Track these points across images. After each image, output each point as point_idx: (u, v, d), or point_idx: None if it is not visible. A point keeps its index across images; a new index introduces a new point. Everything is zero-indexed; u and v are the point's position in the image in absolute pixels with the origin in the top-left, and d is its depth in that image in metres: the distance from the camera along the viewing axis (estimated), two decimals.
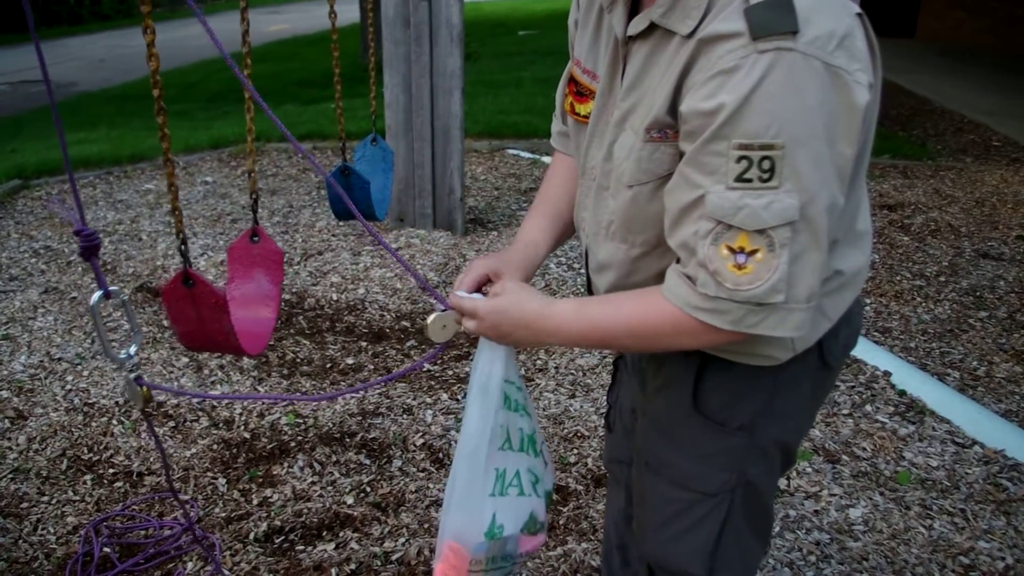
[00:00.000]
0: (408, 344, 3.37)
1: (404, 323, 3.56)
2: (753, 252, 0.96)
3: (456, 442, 2.67)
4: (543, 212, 1.45)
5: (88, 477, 2.57)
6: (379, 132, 3.89)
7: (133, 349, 1.33)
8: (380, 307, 3.72)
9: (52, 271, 4.14)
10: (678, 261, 1.06)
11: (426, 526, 2.34)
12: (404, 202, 4.61)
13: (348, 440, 2.74)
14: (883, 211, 4.97)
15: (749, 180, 0.93)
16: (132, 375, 1.33)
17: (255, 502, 2.45)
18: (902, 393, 2.98)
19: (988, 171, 5.86)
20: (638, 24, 1.07)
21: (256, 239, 2.41)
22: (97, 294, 1.27)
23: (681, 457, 1.29)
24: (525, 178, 5.64)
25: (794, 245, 0.96)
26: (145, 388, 1.35)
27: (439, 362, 3.23)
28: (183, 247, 1.84)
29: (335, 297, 3.83)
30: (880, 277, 4.01)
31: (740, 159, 0.93)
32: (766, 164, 0.92)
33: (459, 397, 2.98)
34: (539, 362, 3.22)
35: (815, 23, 0.92)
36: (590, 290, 1.38)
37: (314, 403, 2.94)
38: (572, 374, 3.13)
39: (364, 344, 3.38)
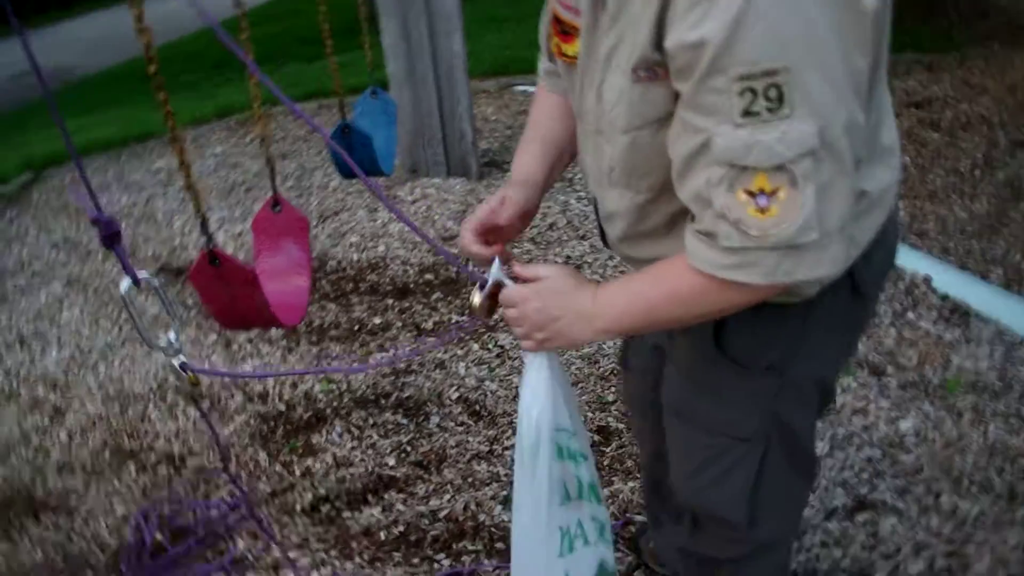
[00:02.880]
0: (434, 297, 3.33)
1: (428, 276, 3.51)
2: (774, 191, 0.87)
3: (491, 394, 2.66)
4: (535, 138, 1.35)
5: (132, 465, 2.58)
6: (379, 83, 3.79)
7: (173, 336, 1.27)
8: (402, 262, 3.67)
9: (73, 262, 4.13)
10: (693, 219, 0.97)
11: (470, 480, 2.33)
12: (415, 152, 4.52)
13: (383, 401, 2.72)
14: (909, 109, 4.78)
15: (756, 113, 0.84)
16: (177, 362, 1.28)
17: (298, 473, 2.45)
18: (944, 297, 2.89)
19: (1017, 56, 5.60)
20: None
21: (278, 208, 2.35)
22: (126, 282, 1.21)
23: (709, 402, 1.24)
24: None
25: (818, 175, 0.87)
26: (192, 374, 1.30)
27: (467, 312, 3.19)
28: (204, 226, 1.79)
29: (356, 257, 3.78)
30: (912, 178, 3.87)
31: (743, 91, 0.84)
32: (772, 92, 0.83)
33: (490, 347, 2.94)
34: None
35: None
36: (604, 239, 1.30)
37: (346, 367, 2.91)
38: None
39: (390, 302, 3.34)
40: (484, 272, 1.21)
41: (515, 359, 2.86)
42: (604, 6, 1.01)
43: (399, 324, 3.16)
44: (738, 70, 0.83)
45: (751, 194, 0.88)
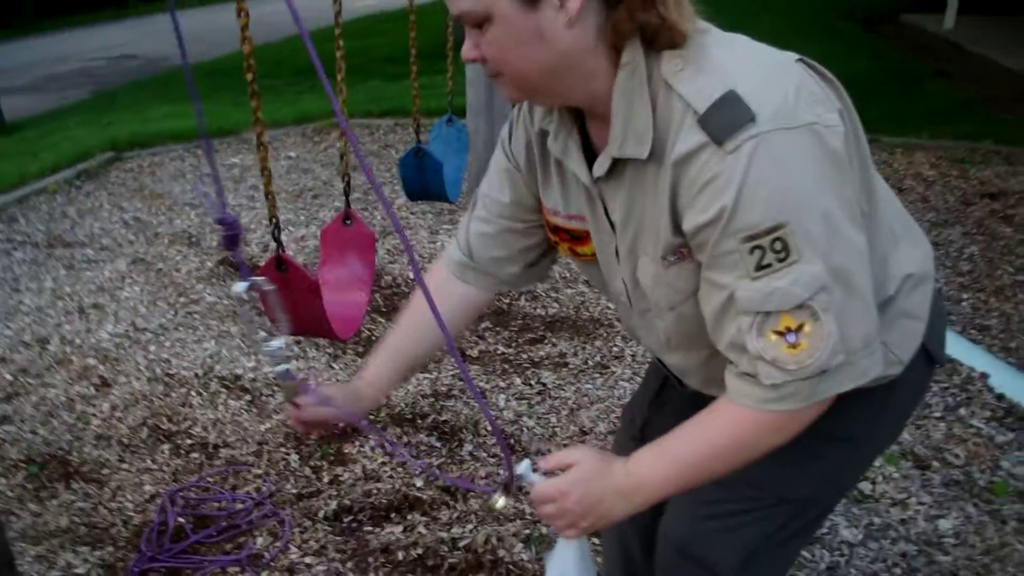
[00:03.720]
0: (482, 326, 3.34)
1: None
2: (800, 327, 0.96)
3: (527, 430, 2.65)
4: (389, 347, 1.40)
5: (166, 447, 2.62)
6: (458, 111, 3.86)
7: (282, 342, 1.26)
8: None
9: (140, 242, 4.25)
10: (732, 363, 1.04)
11: (495, 514, 2.31)
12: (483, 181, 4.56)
13: (420, 421, 2.73)
14: (984, 200, 4.70)
15: (768, 265, 0.94)
16: (281, 368, 1.27)
17: (326, 480, 2.46)
18: (1000, 397, 2.81)
19: None
20: (602, 165, 1.07)
21: (349, 222, 2.40)
22: (242, 285, 1.22)
23: (770, 458, 1.21)
24: None
25: (834, 304, 0.96)
26: (293, 384, 1.31)
27: (513, 345, 3.19)
28: (276, 232, 1.82)
29: (412, 276, 3.82)
30: (979, 271, 3.79)
31: (752, 250, 0.94)
32: (778, 245, 0.93)
33: (532, 382, 2.94)
34: (615, 349, 3.15)
35: (767, 98, 0.93)
36: (680, 382, 1.33)
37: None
38: (649, 362, 3.05)
39: None
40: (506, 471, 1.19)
41: (555, 398, 2.85)
42: (608, 211, 1.11)
43: (443, 347, 3.17)
44: (744, 233, 0.94)
45: (780, 334, 0.97)
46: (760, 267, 0.94)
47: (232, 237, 1.16)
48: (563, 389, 2.90)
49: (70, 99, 8.98)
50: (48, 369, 3.08)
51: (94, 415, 2.79)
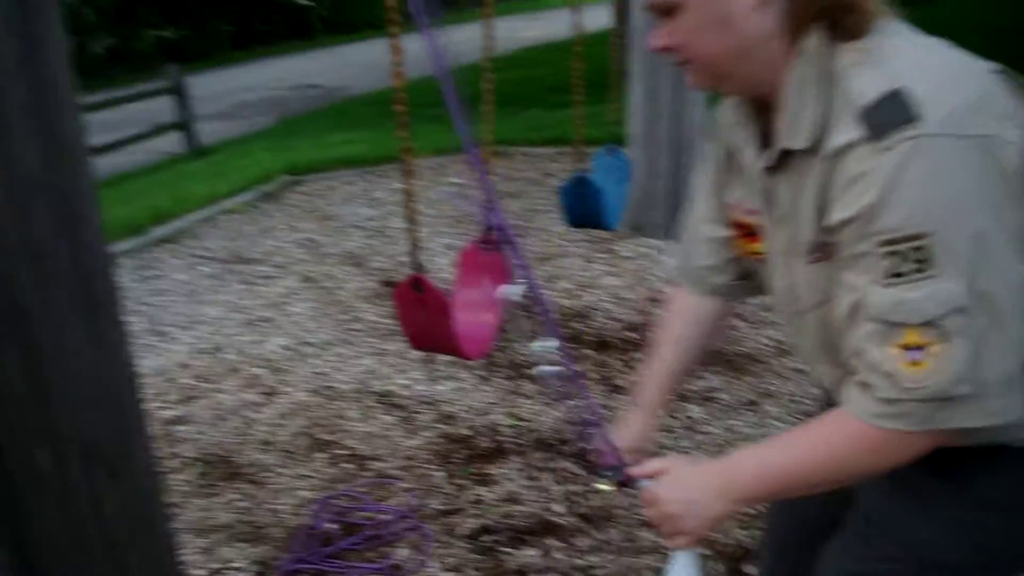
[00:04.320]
0: (634, 355, 3.32)
1: (631, 334, 3.51)
2: (926, 346, 0.90)
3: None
4: (653, 368, 1.42)
5: (322, 456, 2.75)
6: (620, 141, 3.88)
7: (551, 343, 1.35)
8: (607, 316, 3.69)
9: (311, 261, 4.50)
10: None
11: (631, 545, 2.28)
12: (641, 211, 4.55)
13: (563, 447, 2.73)
14: None
15: (902, 274, 0.90)
16: (546, 369, 1.36)
17: (468, 499, 2.51)
18: None
19: None
20: (771, 156, 1.06)
21: (487, 247, 2.47)
22: (514, 287, 1.33)
23: (919, 519, 1.14)
24: None
25: (971, 330, 0.89)
26: (559, 387, 1.40)
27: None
28: (415, 253, 1.90)
29: (565, 303, 3.85)
30: None
31: (888, 255, 0.90)
32: (917, 255, 0.88)
33: (679, 416, 2.88)
34: (768, 387, 3.04)
35: (940, 102, 0.87)
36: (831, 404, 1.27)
37: (535, 408, 2.96)
38: (804, 402, 2.93)
39: (588, 352, 3.37)
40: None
41: (700, 434, 2.78)
42: (776, 205, 1.08)
43: (596, 376, 3.18)
44: (883, 236, 0.90)
45: (903, 348, 0.91)
46: (894, 274, 0.90)
47: (503, 240, 1.26)
48: (711, 424, 2.83)
49: (257, 126, 9.67)
50: (221, 376, 3.31)
51: (259, 421, 2.97)
